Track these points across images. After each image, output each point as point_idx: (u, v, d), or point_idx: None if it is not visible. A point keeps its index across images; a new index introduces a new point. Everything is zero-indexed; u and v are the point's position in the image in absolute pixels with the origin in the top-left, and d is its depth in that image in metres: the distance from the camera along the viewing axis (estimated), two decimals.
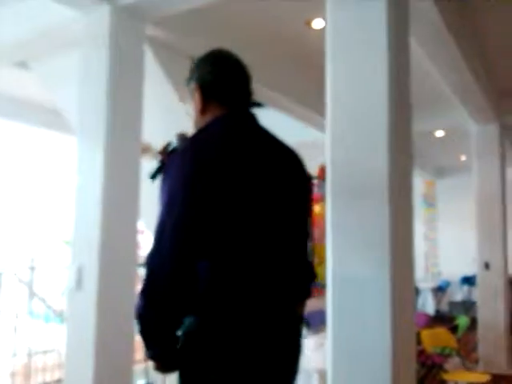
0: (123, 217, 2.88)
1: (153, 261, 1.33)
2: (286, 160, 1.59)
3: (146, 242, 4.05)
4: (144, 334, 1.37)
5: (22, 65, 4.27)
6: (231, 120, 1.53)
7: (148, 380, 3.92)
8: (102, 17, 2.93)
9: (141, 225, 3.08)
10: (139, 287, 1.37)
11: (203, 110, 1.56)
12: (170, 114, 4.08)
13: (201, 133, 1.52)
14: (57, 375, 4.37)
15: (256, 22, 4.16)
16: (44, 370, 4.40)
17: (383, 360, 2.12)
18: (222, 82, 1.56)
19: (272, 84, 4.84)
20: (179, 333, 1.39)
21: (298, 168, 1.62)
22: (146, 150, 3.45)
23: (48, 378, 4.39)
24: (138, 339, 3.16)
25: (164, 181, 1.41)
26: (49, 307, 4.70)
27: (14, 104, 5.55)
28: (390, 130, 2.24)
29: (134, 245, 2.95)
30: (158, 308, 1.33)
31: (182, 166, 1.38)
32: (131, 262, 2.91)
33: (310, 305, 5.18)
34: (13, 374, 4.17)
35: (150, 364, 1.50)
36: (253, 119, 1.60)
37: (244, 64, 1.63)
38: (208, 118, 1.54)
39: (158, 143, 3.52)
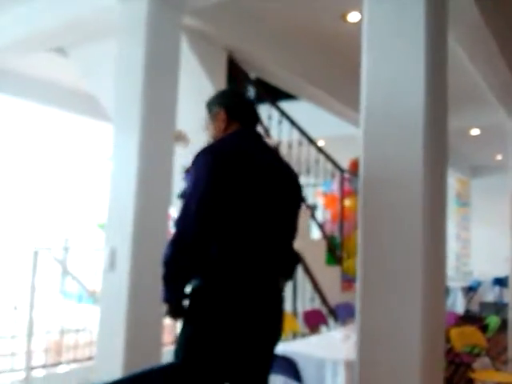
0: (156, 202, 2.94)
1: (181, 222, 1.82)
2: (282, 167, 2.10)
3: None
4: (166, 277, 1.82)
5: (60, 51, 4.38)
6: (244, 133, 2.08)
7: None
8: (139, 6, 2.98)
9: (172, 211, 3.14)
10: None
11: (226, 129, 2.08)
12: (203, 104, 4.13)
13: (220, 141, 2.04)
14: (87, 353, 4.50)
15: (292, 15, 4.16)
16: (75, 347, 4.53)
17: (412, 354, 2.13)
18: (242, 107, 2.13)
19: (307, 77, 4.84)
20: (188, 289, 1.84)
21: (291, 174, 2.13)
22: (179, 137, 3.51)
23: (79, 356, 4.53)
24: (167, 322, 3.24)
25: (191, 170, 1.88)
26: (82, 287, 4.83)
27: (51, 89, 5.67)
28: (425, 126, 2.23)
29: (166, 229, 3.02)
30: (182, 257, 1.79)
31: (205, 159, 1.86)
32: (163, 246, 2.97)
33: (339, 298, 5.19)
34: (46, 350, 4.31)
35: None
36: (259, 135, 2.13)
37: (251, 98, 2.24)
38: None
39: (191, 131, 3.60)
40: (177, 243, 1.80)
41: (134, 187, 2.82)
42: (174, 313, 1.87)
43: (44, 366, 4.21)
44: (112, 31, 3.21)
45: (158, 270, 1.84)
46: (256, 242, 1.89)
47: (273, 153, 2.15)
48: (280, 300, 2.00)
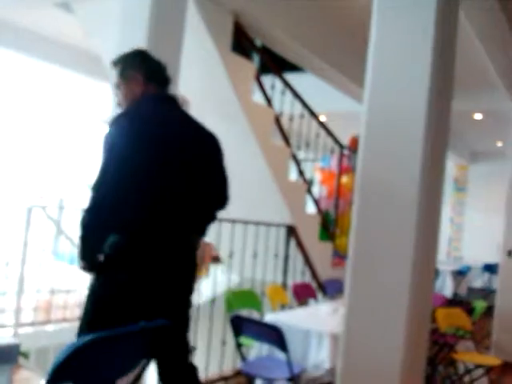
0: None
1: (98, 188, 1.91)
2: (196, 131, 2.17)
3: None
4: (83, 239, 1.93)
5: (64, 6, 4.29)
6: (158, 97, 2.14)
7: None
8: None
9: None
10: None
11: (142, 92, 2.10)
12: (206, 69, 4.07)
13: (135, 105, 2.09)
14: (77, 313, 4.54)
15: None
16: (65, 307, 4.57)
17: (397, 330, 2.15)
18: (157, 70, 2.17)
19: (314, 48, 4.77)
20: (105, 245, 1.95)
21: (205, 137, 2.19)
22: (181, 102, 3.46)
23: (68, 315, 4.56)
24: None
25: (107, 135, 1.96)
26: (75, 248, 4.84)
27: (52, 46, 5.57)
28: (429, 106, 2.20)
29: None
30: (99, 221, 1.91)
31: (121, 125, 1.96)
32: None
33: (329, 273, 5.21)
34: (35, 309, 4.34)
35: None
36: (173, 97, 2.18)
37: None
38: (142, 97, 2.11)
39: (193, 96, 3.55)
40: (94, 208, 1.91)
41: None
42: (90, 267, 2.00)
43: (32, 324, 4.24)
44: None
45: None
46: (166, 202, 2.01)
47: (187, 116, 2.18)
48: (191, 254, 2.12)
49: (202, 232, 2.21)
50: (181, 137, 2.08)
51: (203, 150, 2.15)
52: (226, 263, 4.71)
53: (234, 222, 3.99)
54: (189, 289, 2.14)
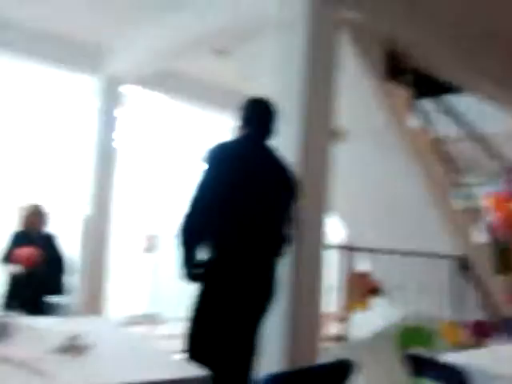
0: (311, 198, 2.93)
1: (189, 206, 2.35)
2: (274, 168, 2.59)
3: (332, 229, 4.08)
4: (179, 250, 2.35)
5: (221, 53, 4.57)
6: (248, 138, 2.61)
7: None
8: (296, 2, 2.97)
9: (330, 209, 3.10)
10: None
11: (240, 133, 2.62)
12: (360, 100, 4.03)
13: (228, 142, 2.59)
14: None
15: (461, 11, 3.85)
16: None
17: None
18: (253, 118, 2.63)
19: (474, 67, 4.48)
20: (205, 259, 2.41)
21: (282, 174, 2.60)
22: (336, 133, 3.46)
23: None
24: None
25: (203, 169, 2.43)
26: None
27: (210, 91, 5.94)
28: None
29: (322, 231, 2.99)
30: (187, 232, 2.35)
31: (210, 155, 2.43)
32: (318, 245, 2.96)
33: (508, 311, 4.63)
34: None
35: None
36: (261, 140, 2.60)
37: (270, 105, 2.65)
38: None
39: (350, 125, 3.52)
40: (185, 221, 2.36)
41: None
42: (188, 276, 2.40)
43: None
44: (271, 29, 3.27)
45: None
46: (245, 226, 2.42)
47: (270, 157, 2.60)
48: (268, 270, 2.52)
49: (277, 252, 2.58)
50: (262, 173, 2.51)
51: (277, 184, 2.57)
52: (386, 295, 4.52)
53: (392, 252, 3.83)
54: (262, 304, 2.52)
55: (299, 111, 2.92)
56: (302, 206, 2.80)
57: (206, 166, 2.43)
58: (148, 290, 4.63)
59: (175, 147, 7.74)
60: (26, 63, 5.13)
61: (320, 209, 3.00)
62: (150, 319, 4.70)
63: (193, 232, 2.38)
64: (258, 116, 2.64)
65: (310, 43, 2.95)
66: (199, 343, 2.39)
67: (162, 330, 4.54)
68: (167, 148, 7.72)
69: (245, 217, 2.43)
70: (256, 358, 2.55)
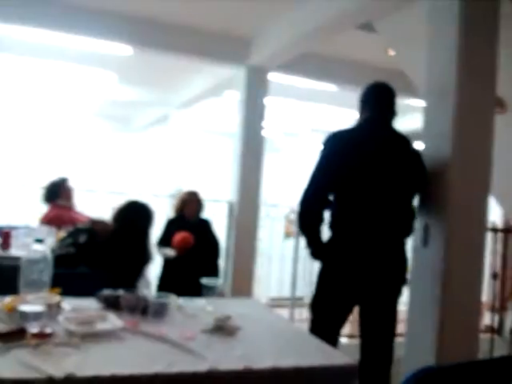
0: (473, 180, 2.68)
1: (306, 187, 2.53)
2: (393, 151, 2.59)
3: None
4: (300, 228, 2.60)
5: (367, 27, 4.36)
6: (368, 121, 2.69)
7: None
8: None
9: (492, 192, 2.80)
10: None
11: (361, 115, 2.73)
12: None
13: (347, 128, 2.69)
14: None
15: None
16: (353, 322, 4.55)
17: None
18: (371, 99, 2.71)
19: None
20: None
21: (402, 156, 2.61)
22: (497, 104, 3.11)
23: (355, 331, 4.55)
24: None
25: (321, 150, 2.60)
26: None
27: (356, 69, 5.75)
28: None
29: (484, 212, 2.73)
30: (305, 213, 2.54)
31: (328, 142, 2.58)
32: (480, 228, 2.70)
33: None
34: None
35: None
36: (383, 122, 2.67)
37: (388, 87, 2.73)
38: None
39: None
40: (301, 203, 2.53)
41: (450, 162, 2.60)
42: (314, 255, 2.57)
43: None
44: None
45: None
46: (362, 207, 2.50)
47: (391, 136, 2.64)
48: (390, 248, 2.56)
49: (406, 233, 2.64)
50: (382, 153, 2.54)
51: (395, 165, 2.57)
52: None
53: None
54: (391, 281, 2.56)
55: (457, 85, 2.65)
56: (462, 185, 2.60)
57: (321, 151, 2.57)
58: (291, 273, 4.67)
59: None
60: (174, 58, 5.45)
61: (481, 188, 2.72)
62: (294, 302, 4.75)
63: (310, 214, 2.54)
64: (377, 99, 2.70)
65: (467, 12, 2.66)
66: (318, 321, 2.59)
67: (304, 313, 4.56)
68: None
69: (362, 196, 2.51)
70: (391, 341, 2.61)
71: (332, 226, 2.58)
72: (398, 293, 2.60)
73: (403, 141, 2.65)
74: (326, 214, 2.57)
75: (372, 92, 2.72)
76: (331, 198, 2.56)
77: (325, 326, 2.55)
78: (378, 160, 2.52)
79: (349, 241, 2.51)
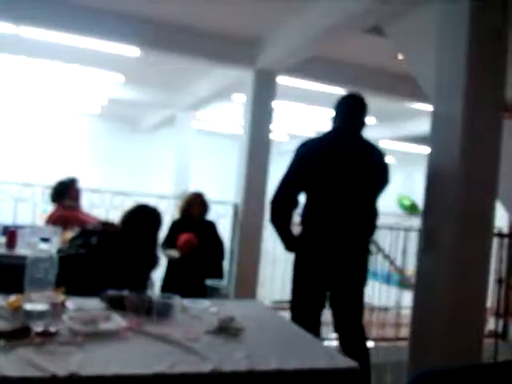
0: (481, 184, 2.66)
1: (275, 189, 2.88)
2: (362, 157, 2.87)
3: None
4: (272, 223, 2.91)
5: (375, 31, 4.34)
6: (336, 130, 2.97)
7: None
8: None
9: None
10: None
11: (333, 124, 3.01)
12: None
13: (317, 136, 3.01)
14: (393, 332, 4.54)
15: None
16: (382, 325, 4.58)
17: None
18: (341, 111, 3.00)
19: None
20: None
21: (370, 162, 2.90)
22: (507, 110, 3.09)
23: (385, 334, 4.57)
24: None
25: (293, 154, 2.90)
26: (398, 270, 4.81)
27: (358, 71, 5.75)
28: None
29: (491, 218, 2.71)
30: (274, 212, 2.88)
31: (298, 150, 2.89)
32: (486, 234, 2.69)
33: None
34: None
35: None
36: (351, 132, 2.94)
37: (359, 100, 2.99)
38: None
39: None
40: (271, 203, 2.88)
41: (458, 166, 2.59)
42: (287, 248, 2.92)
43: None
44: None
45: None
46: (328, 206, 2.80)
47: (357, 146, 2.90)
48: (352, 241, 2.85)
49: (369, 230, 2.94)
50: (346, 158, 2.81)
51: (364, 170, 2.84)
52: None
53: None
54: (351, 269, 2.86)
55: (466, 89, 2.64)
56: (469, 190, 2.59)
57: (292, 157, 2.85)
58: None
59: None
60: (182, 60, 5.47)
61: (489, 193, 2.70)
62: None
63: (280, 212, 2.86)
64: (348, 109, 2.94)
65: (476, 16, 2.65)
66: (295, 306, 2.91)
67: None
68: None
69: (328, 196, 2.80)
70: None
71: (303, 222, 2.89)
72: (361, 280, 2.91)
73: (369, 148, 2.93)
74: (297, 212, 2.90)
75: (343, 103, 2.97)
76: (302, 198, 2.87)
77: (302, 311, 2.86)
78: (343, 165, 2.80)
79: (317, 235, 2.82)
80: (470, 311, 2.61)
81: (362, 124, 2.95)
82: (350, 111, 2.95)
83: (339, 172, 2.80)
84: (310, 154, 2.84)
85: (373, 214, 2.93)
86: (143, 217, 2.88)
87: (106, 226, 2.90)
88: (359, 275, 2.90)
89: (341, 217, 2.79)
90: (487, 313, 2.90)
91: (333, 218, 2.79)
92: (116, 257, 2.68)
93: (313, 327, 2.68)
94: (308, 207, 2.87)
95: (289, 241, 2.89)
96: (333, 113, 2.99)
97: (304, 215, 2.89)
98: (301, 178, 2.83)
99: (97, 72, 6.86)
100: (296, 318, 2.79)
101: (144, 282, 2.85)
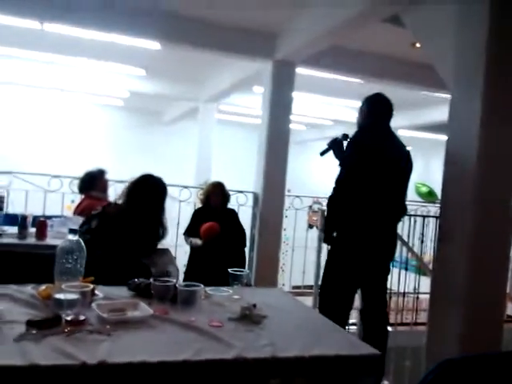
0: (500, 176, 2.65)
1: (338, 188, 3.06)
2: (398, 154, 3.13)
3: None
4: (326, 218, 3.23)
5: (393, 20, 4.30)
6: (375, 126, 3.15)
7: None
8: None
9: None
10: None
11: (364, 120, 3.22)
12: None
13: (361, 132, 3.18)
14: (410, 317, 4.61)
15: None
16: (400, 311, 4.59)
17: None
18: (377, 108, 3.19)
19: None
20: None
21: (402, 158, 3.12)
22: None
23: (404, 319, 4.63)
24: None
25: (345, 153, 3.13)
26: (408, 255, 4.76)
27: (382, 62, 5.71)
28: None
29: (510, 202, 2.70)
30: (331, 208, 3.13)
31: (352, 148, 3.07)
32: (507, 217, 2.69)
33: None
34: None
35: None
36: (387, 128, 3.17)
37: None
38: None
39: None
40: (330, 198, 3.11)
41: (476, 154, 2.58)
42: (326, 241, 3.23)
43: None
44: None
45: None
46: (373, 203, 2.99)
47: (393, 142, 3.14)
48: (389, 237, 3.17)
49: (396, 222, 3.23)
50: (388, 158, 3.01)
51: (398, 167, 3.06)
52: None
53: None
54: (385, 261, 3.19)
55: (485, 78, 2.62)
56: (488, 178, 2.60)
57: (349, 152, 3.04)
58: (315, 262, 4.70)
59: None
60: (201, 53, 5.49)
61: (508, 181, 2.70)
62: (317, 291, 4.79)
63: (334, 207, 3.08)
64: (378, 106, 3.15)
65: (497, 5, 2.63)
66: (327, 294, 3.14)
67: None
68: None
69: (371, 198, 2.98)
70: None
71: (344, 221, 3.07)
72: (388, 271, 3.25)
73: (402, 146, 3.17)
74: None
75: (377, 100, 3.16)
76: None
77: (334, 305, 3.03)
78: (393, 166, 3.02)
79: (361, 233, 3.02)
80: (488, 297, 2.62)
81: (389, 120, 3.17)
82: (386, 109, 3.16)
83: (385, 174, 3.01)
84: (368, 156, 2.97)
85: (403, 210, 3.24)
86: (149, 187, 2.82)
87: (107, 206, 2.89)
88: (388, 268, 3.23)
89: (382, 216, 3.03)
90: (507, 298, 2.88)
91: (375, 218, 3.00)
92: (117, 232, 2.67)
93: (343, 316, 3.01)
94: (352, 206, 3.01)
95: (330, 234, 3.15)
96: (368, 111, 3.16)
97: (346, 212, 3.04)
98: (359, 180, 2.99)
99: (119, 66, 6.94)
100: (328, 305, 3.07)
101: (150, 253, 2.81)
